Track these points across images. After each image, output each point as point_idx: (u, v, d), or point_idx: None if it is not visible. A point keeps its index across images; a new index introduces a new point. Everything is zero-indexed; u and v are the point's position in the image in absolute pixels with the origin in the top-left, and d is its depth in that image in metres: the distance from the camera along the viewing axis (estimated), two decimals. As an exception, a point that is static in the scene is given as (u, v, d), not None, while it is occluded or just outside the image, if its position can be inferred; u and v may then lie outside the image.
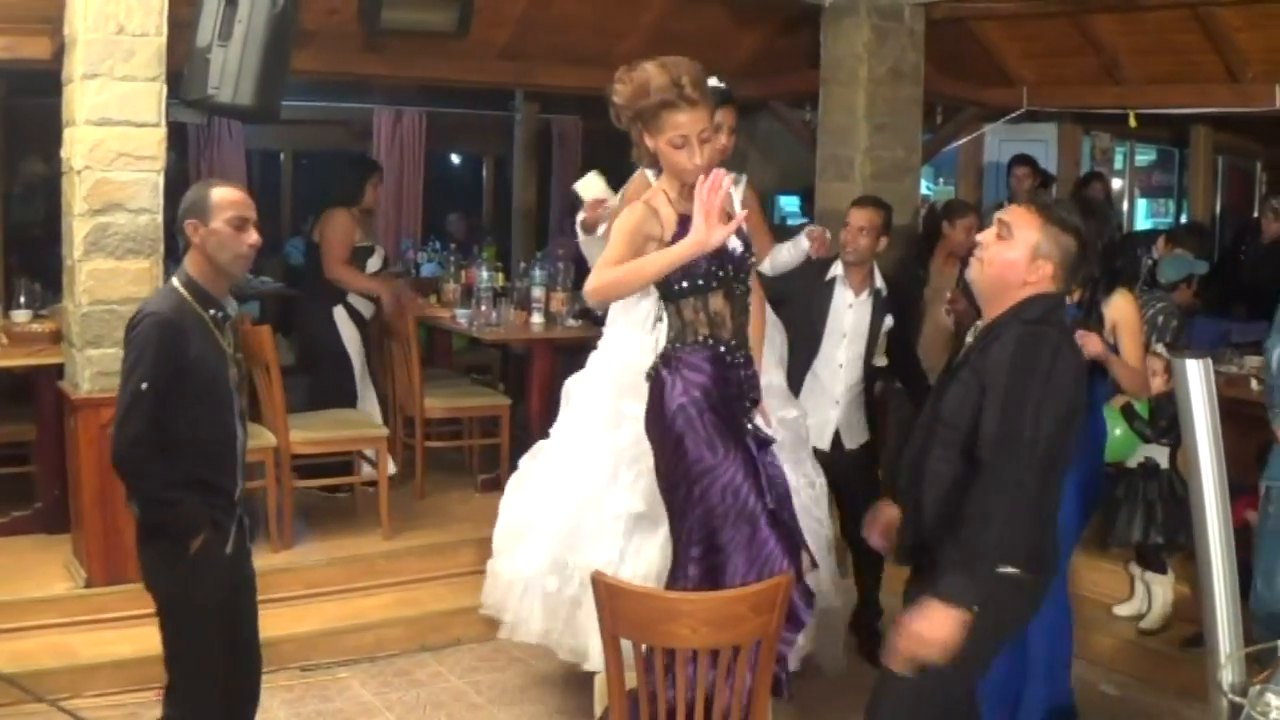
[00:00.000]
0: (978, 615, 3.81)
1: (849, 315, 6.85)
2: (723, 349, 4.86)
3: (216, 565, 4.48)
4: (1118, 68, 9.82)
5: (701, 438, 4.82)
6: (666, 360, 4.91)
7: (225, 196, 4.49)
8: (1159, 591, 7.05)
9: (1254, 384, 7.21)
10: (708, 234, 4.42)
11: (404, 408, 8.74)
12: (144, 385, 4.28)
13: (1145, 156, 14.97)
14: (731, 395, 4.89)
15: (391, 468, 7.99)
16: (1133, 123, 10.53)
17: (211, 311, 4.49)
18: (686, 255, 4.51)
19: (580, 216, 6.39)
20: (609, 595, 4.11)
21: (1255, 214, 13.97)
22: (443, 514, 8.23)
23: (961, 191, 13.22)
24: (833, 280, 6.87)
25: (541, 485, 6.09)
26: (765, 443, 5.06)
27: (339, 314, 8.45)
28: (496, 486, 8.47)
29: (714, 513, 4.86)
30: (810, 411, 6.53)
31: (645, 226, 4.70)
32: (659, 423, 4.94)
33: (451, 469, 9.06)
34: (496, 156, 16.18)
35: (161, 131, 6.40)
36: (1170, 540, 6.85)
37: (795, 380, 6.67)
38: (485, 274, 9.58)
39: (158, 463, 4.34)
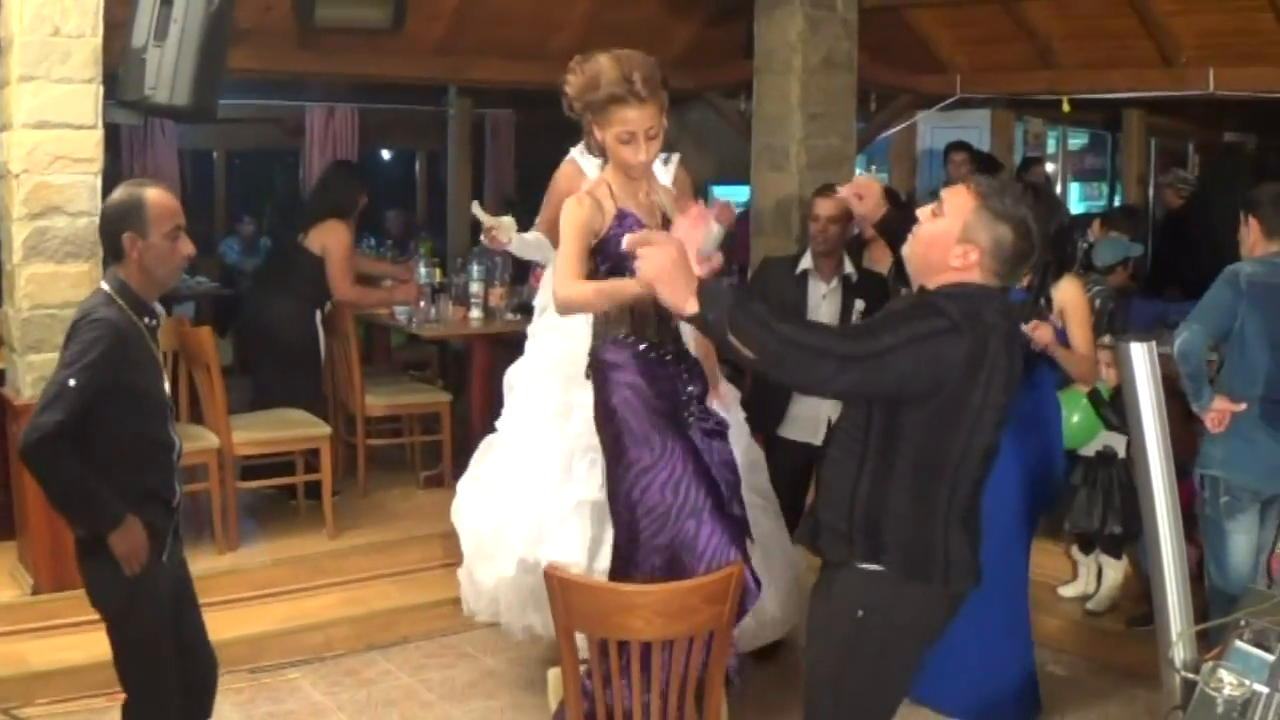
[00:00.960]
0: (862, 618, 3.80)
1: (824, 305, 6.90)
2: (645, 347, 4.96)
3: (159, 576, 4.41)
4: (1051, 53, 9.88)
5: (638, 436, 4.90)
6: (595, 362, 5.01)
7: (161, 207, 4.35)
8: (1110, 574, 7.11)
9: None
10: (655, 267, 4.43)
11: (345, 406, 8.68)
12: (72, 383, 4.16)
13: (1077, 141, 15.10)
14: (665, 389, 4.94)
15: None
16: (1066, 108, 10.61)
17: (146, 320, 4.41)
18: (638, 288, 4.43)
19: (483, 237, 6.38)
20: (562, 589, 4.11)
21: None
22: (386, 512, 8.19)
23: (895, 179, 13.27)
24: (805, 273, 6.92)
25: (498, 485, 6.01)
26: (714, 432, 5.09)
27: (318, 317, 8.41)
28: (439, 483, 8.53)
29: (654, 511, 4.92)
30: (799, 406, 6.64)
31: (591, 222, 4.80)
32: (599, 421, 5.05)
33: (392, 467, 9.01)
34: (429, 152, 16.18)
35: (99, 133, 6.33)
36: (1127, 529, 6.86)
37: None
38: (424, 270, 9.59)
39: (70, 459, 4.17)
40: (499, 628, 6.05)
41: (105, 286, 4.38)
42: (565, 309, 4.87)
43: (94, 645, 5.11)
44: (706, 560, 4.87)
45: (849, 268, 6.95)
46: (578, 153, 5.96)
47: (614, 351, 4.95)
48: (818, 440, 6.66)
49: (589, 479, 5.63)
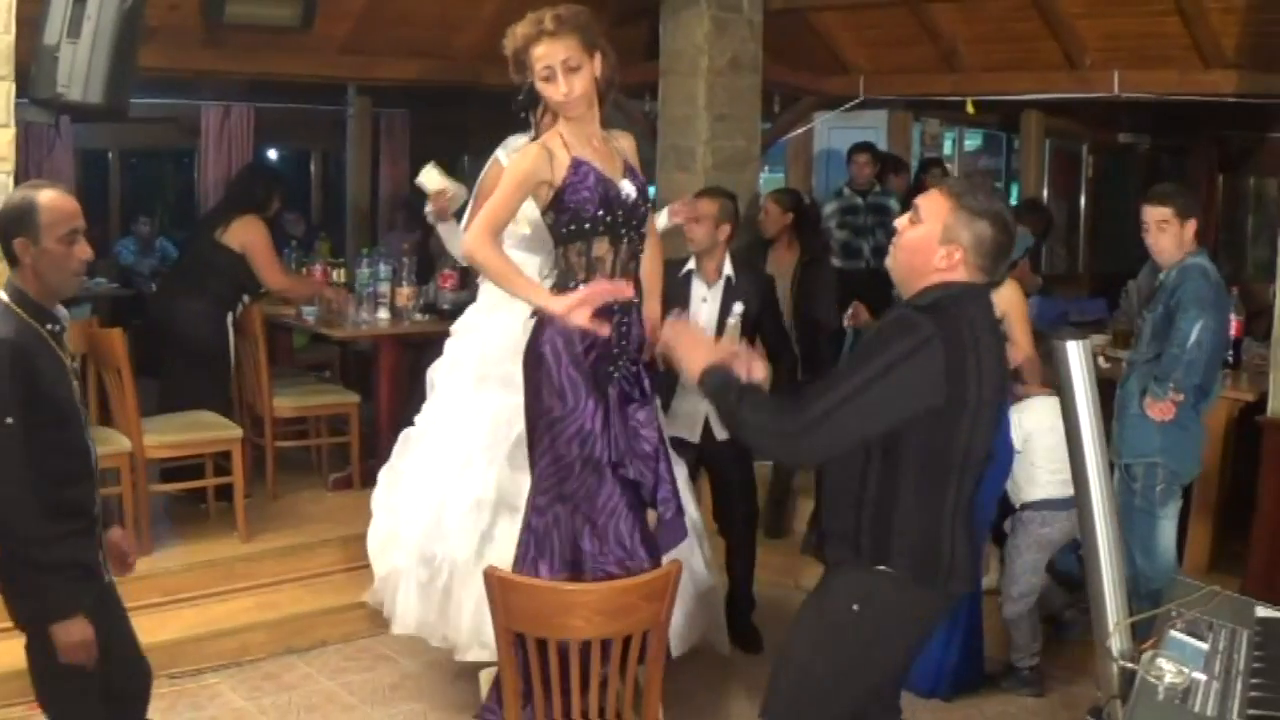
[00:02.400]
0: (856, 612, 3.85)
1: (704, 308, 6.92)
2: None
3: (89, 603, 4.20)
4: (956, 56, 10.00)
5: (554, 387, 4.99)
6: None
7: (55, 211, 4.11)
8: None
9: (1101, 360, 7.37)
10: (565, 310, 4.61)
11: (252, 408, 8.57)
12: (9, 420, 3.95)
13: (973, 141, 15.23)
14: (598, 342, 4.97)
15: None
16: (971, 110, 10.73)
17: (48, 326, 4.19)
18: (544, 308, 4.75)
19: (428, 209, 6.42)
20: (502, 589, 4.11)
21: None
22: (297, 515, 8.10)
23: (791, 180, 13.30)
24: (688, 275, 6.94)
25: (407, 478, 6.14)
26: (633, 399, 5.19)
27: (229, 319, 8.29)
28: (348, 485, 8.51)
29: (561, 461, 5.04)
30: (680, 403, 6.69)
31: (538, 172, 4.87)
32: (526, 369, 5.12)
33: (298, 469, 8.92)
34: (324, 151, 16.06)
35: (12, 131, 6.21)
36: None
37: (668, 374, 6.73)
38: (330, 272, 9.57)
39: (41, 517, 4.00)
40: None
41: (3, 296, 4.15)
42: (468, 260, 5.05)
43: (10, 653, 5.01)
44: (604, 516, 5.07)
45: (729, 269, 6.97)
46: (503, 154, 5.96)
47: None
48: (695, 438, 6.82)
49: (485, 477, 5.79)
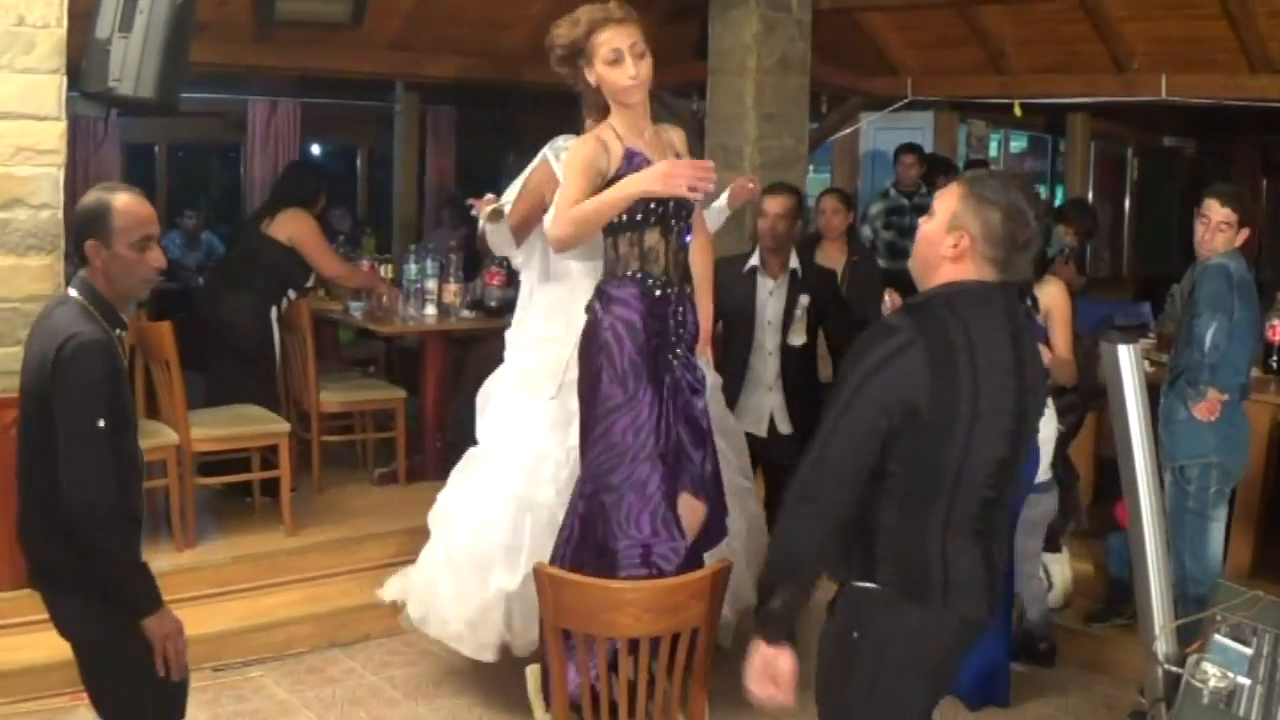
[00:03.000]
0: (856, 640, 3.69)
1: (771, 302, 6.97)
2: (651, 282, 5.06)
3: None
4: (1003, 58, 9.97)
5: (617, 373, 5.01)
6: (599, 294, 5.12)
7: (129, 216, 4.06)
8: (1057, 570, 7.17)
9: (1146, 365, 7.34)
10: (671, 175, 4.67)
11: (298, 403, 8.62)
12: (101, 423, 3.90)
13: (1018, 143, 15.19)
14: (657, 331, 5.04)
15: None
16: (1018, 112, 10.69)
17: (117, 331, 4.14)
18: (646, 184, 4.73)
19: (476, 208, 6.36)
20: (551, 586, 4.11)
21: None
22: (342, 509, 8.14)
23: (838, 180, 13.29)
24: (752, 270, 6.98)
25: (493, 501, 5.92)
26: (692, 387, 5.22)
27: (273, 314, 8.32)
28: (394, 480, 8.56)
29: (614, 449, 5.05)
30: (748, 398, 6.80)
31: (597, 161, 4.92)
32: (584, 356, 5.14)
33: (345, 464, 8.97)
34: (371, 147, 16.11)
35: (63, 125, 6.25)
36: (1064, 523, 6.98)
37: (734, 371, 6.87)
38: (377, 267, 9.62)
39: (121, 517, 3.98)
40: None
41: (75, 294, 4.10)
42: (564, 239, 4.94)
43: (54, 644, 5.02)
44: (650, 508, 5.05)
45: (794, 263, 7.02)
46: (550, 153, 5.94)
47: (618, 286, 5.06)
48: (762, 432, 6.87)
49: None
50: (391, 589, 6.35)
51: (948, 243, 3.65)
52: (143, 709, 4.23)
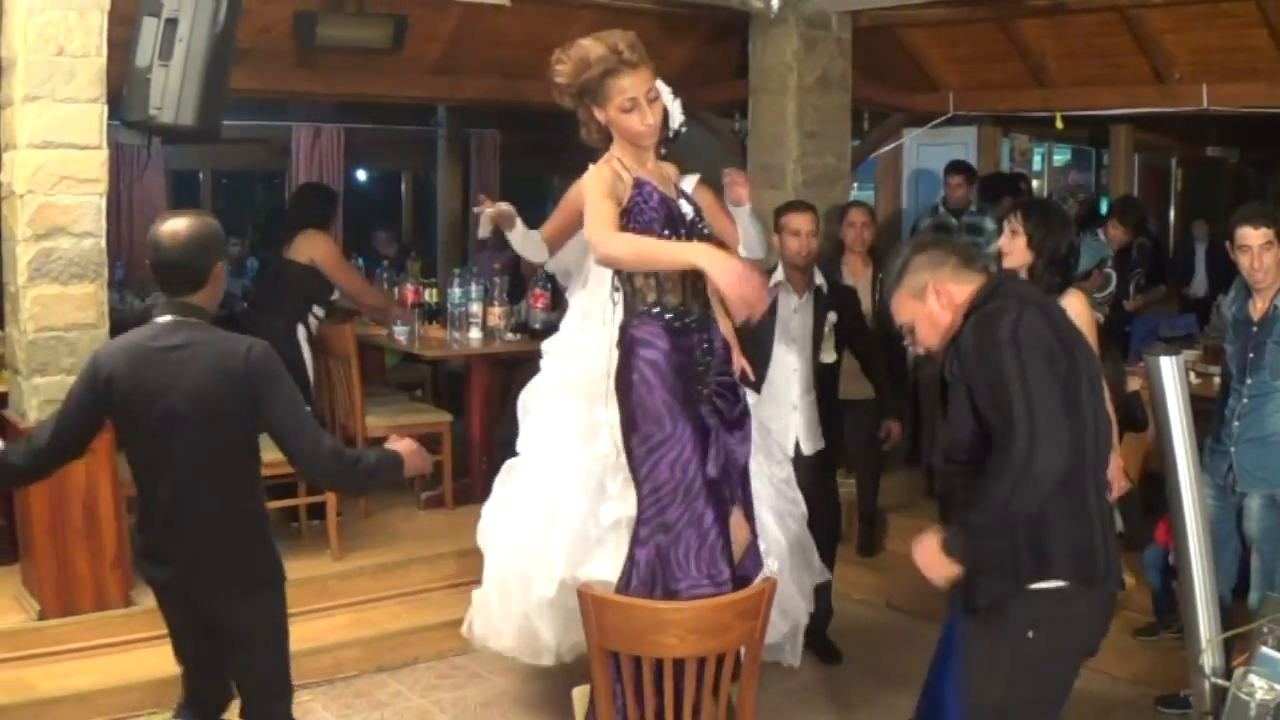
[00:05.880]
0: (1032, 639, 3.82)
1: (795, 319, 6.93)
2: (670, 315, 4.99)
3: None
4: (1044, 71, 9.91)
5: (651, 413, 4.94)
6: (622, 338, 5.05)
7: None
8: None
9: (1192, 376, 7.27)
10: (743, 285, 4.39)
11: (344, 427, 8.62)
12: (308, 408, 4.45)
13: (1062, 156, 15.13)
14: (684, 363, 4.99)
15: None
16: (1059, 125, 10.63)
17: None
18: (714, 269, 4.45)
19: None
20: (596, 608, 4.11)
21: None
22: (389, 533, 8.16)
23: (881, 199, 13.23)
24: (775, 287, 6.92)
25: (527, 508, 5.88)
26: (733, 420, 5.18)
27: (301, 333, 8.35)
28: (440, 504, 8.55)
29: (662, 489, 4.98)
30: (770, 418, 6.56)
31: (616, 187, 4.86)
32: (619, 399, 5.09)
33: (390, 488, 8.90)
34: (415, 171, 16.16)
35: (104, 154, 6.32)
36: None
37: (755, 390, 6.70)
38: (421, 291, 9.68)
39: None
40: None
41: (194, 320, 4.29)
42: (616, 261, 4.86)
43: (103, 671, 5.06)
44: (710, 541, 4.98)
45: (819, 279, 7.02)
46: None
47: (642, 327, 4.98)
48: (789, 452, 6.70)
49: (624, 496, 5.51)
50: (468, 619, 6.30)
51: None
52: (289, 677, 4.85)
